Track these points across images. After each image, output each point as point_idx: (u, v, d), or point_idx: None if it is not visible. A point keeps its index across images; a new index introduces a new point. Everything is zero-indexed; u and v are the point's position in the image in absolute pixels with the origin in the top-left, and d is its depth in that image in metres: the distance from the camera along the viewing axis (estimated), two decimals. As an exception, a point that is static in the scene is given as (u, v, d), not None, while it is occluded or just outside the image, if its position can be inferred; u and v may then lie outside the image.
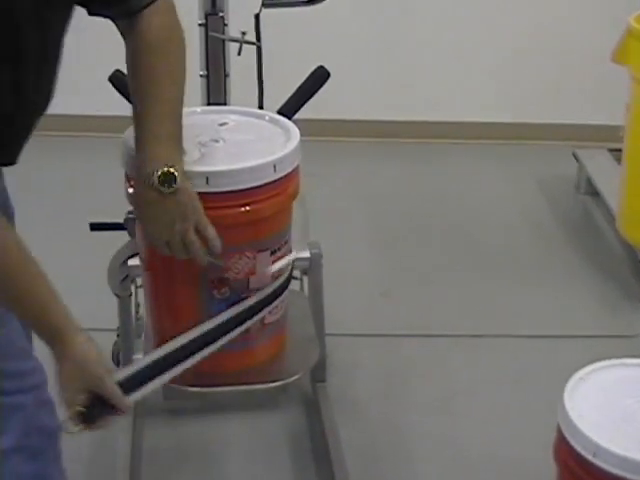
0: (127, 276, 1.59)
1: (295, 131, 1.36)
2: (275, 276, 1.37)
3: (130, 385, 1.16)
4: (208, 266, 1.28)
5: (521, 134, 3.18)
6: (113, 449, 1.82)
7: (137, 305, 1.93)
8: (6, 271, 1.07)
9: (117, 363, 2.26)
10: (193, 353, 1.26)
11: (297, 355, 1.47)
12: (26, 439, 1.23)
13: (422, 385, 2.05)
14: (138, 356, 1.97)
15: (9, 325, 1.19)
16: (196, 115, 1.44)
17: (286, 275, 1.39)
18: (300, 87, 1.54)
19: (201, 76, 1.72)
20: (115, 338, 2.05)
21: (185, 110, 1.43)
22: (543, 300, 2.40)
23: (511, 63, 3.12)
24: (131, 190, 1.29)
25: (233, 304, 1.34)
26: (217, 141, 1.35)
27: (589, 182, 2.78)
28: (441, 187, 2.99)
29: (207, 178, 1.24)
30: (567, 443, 1.10)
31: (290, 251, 1.39)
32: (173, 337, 1.40)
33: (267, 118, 1.43)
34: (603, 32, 2.49)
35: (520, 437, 1.87)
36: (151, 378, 1.20)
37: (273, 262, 1.36)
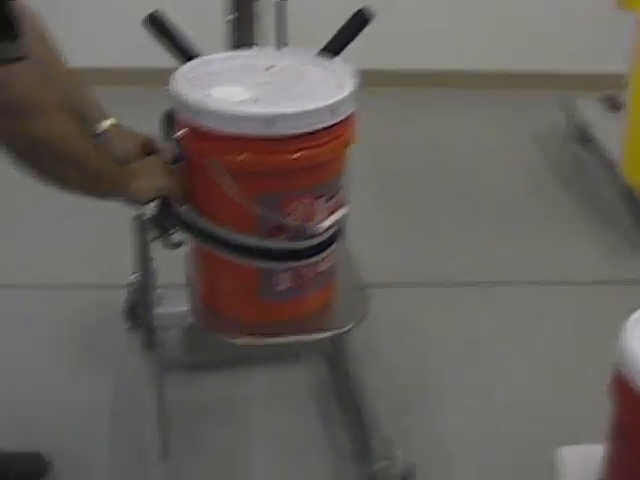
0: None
1: (348, 74, 1.33)
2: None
3: None
4: (263, 212, 1.26)
5: (509, 83, 3.19)
6: (137, 404, 1.82)
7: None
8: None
9: (129, 318, 2.23)
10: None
11: (347, 306, 1.45)
12: None
13: (442, 334, 2.06)
14: (160, 310, 1.96)
15: None
16: (240, 59, 1.40)
17: (340, 223, 1.37)
18: (342, 29, 1.49)
19: (228, 21, 1.66)
20: (125, 295, 2.06)
21: (229, 53, 1.40)
22: (548, 247, 2.43)
23: (502, 10, 3.11)
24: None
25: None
26: (268, 84, 1.31)
27: (579, 130, 2.80)
28: (431, 136, 2.99)
29: (266, 121, 1.20)
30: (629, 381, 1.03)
31: (345, 199, 1.37)
32: (226, 288, 1.39)
33: (315, 62, 1.39)
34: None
35: (546, 384, 1.89)
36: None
37: (329, 209, 1.34)
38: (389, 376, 1.96)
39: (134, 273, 2.22)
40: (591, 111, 2.80)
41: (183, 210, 1.34)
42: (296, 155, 1.24)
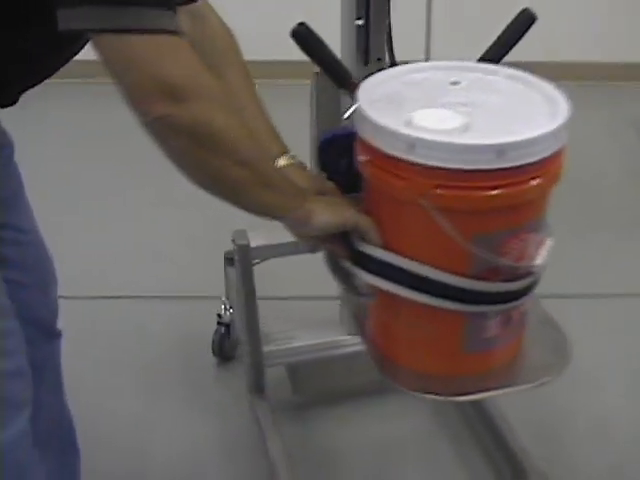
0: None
1: (551, 88, 1.16)
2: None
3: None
4: (480, 253, 1.08)
5: (614, 74, 3.01)
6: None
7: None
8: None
9: (220, 354, 2.08)
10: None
11: (542, 350, 1.28)
12: None
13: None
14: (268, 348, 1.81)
15: None
16: (420, 73, 1.22)
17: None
18: (504, 31, 1.32)
19: (359, 27, 1.48)
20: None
21: (407, 67, 1.23)
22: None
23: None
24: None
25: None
26: (465, 105, 1.13)
27: (632, 123, 2.65)
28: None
29: (498, 152, 1.02)
30: None
31: (548, 233, 1.20)
32: (421, 339, 1.22)
33: (502, 74, 1.21)
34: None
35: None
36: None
37: (538, 244, 1.16)
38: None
39: (225, 306, 2.06)
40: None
41: (378, 248, 1.15)
42: (525, 186, 1.07)
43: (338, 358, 1.89)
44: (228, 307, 2.08)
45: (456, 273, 1.12)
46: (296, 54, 1.33)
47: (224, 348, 2.07)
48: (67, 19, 0.98)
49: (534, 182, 1.07)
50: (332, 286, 1.39)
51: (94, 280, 2.37)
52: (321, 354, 1.87)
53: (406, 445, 1.85)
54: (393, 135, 1.06)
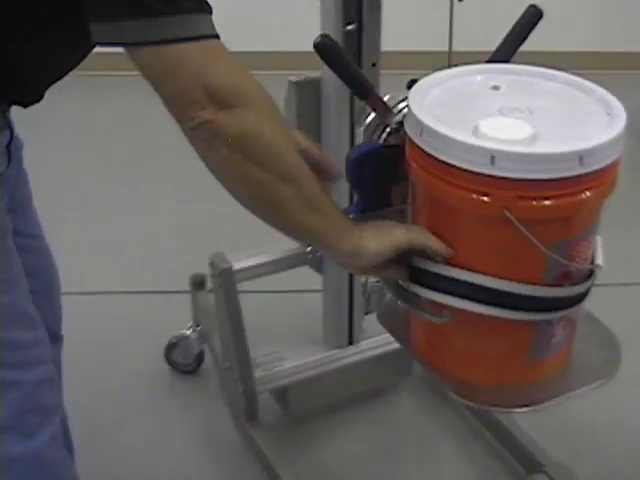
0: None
1: (590, 84, 1.15)
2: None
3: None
4: (556, 260, 1.06)
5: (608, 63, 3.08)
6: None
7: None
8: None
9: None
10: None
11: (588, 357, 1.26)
12: (20, 418, 1.16)
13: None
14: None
15: (15, 291, 1.14)
16: (457, 79, 1.18)
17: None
18: (512, 29, 1.31)
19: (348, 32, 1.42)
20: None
21: (441, 74, 1.21)
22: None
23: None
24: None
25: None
26: (522, 111, 1.11)
27: None
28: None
29: (579, 158, 1.00)
30: None
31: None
32: (489, 352, 1.19)
33: (541, 76, 1.20)
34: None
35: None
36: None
37: (594, 244, 1.16)
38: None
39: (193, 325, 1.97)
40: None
41: (448, 266, 1.11)
42: (603, 189, 1.05)
43: (327, 373, 1.84)
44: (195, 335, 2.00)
45: (530, 283, 1.10)
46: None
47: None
48: (103, 33, 0.92)
49: (608, 184, 1.07)
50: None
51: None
52: (312, 372, 1.81)
53: (407, 448, 1.83)
54: (470, 149, 1.02)
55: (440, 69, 1.21)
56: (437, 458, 1.80)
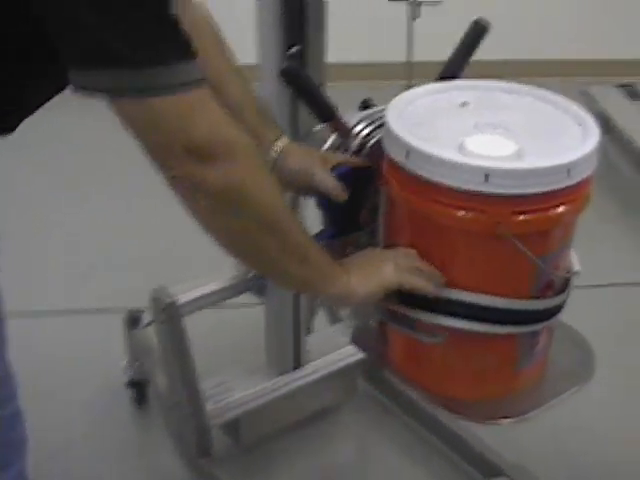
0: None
1: (565, 101, 1.18)
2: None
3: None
4: (543, 273, 1.09)
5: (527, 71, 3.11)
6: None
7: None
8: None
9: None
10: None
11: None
12: None
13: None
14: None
15: None
16: (424, 98, 1.19)
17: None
18: (460, 44, 1.32)
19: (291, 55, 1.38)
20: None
21: (409, 94, 1.22)
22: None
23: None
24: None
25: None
26: (497, 127, 1.12)
27: (599, 119, 2.77)
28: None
29: (568, 171, 1.03)
30: None
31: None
32: (479, 367, 1.19)
33: (505, 90, 1.21)
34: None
35: None
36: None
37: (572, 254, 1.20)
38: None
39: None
40: (612, 99, 2.80)
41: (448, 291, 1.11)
42: (585, 198, 1.09)
43: (276, 400, 1.80)
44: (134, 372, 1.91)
45: (518, 296, 1.12)
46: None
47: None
48: (81, 81, 0.88)
49: (589, 193, 1.10)
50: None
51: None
52: (262, 400, 1.77)
53: (361, 462, 1.83)
54: (462, 168, 1.02)
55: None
56: (391, 469, 1.81)
